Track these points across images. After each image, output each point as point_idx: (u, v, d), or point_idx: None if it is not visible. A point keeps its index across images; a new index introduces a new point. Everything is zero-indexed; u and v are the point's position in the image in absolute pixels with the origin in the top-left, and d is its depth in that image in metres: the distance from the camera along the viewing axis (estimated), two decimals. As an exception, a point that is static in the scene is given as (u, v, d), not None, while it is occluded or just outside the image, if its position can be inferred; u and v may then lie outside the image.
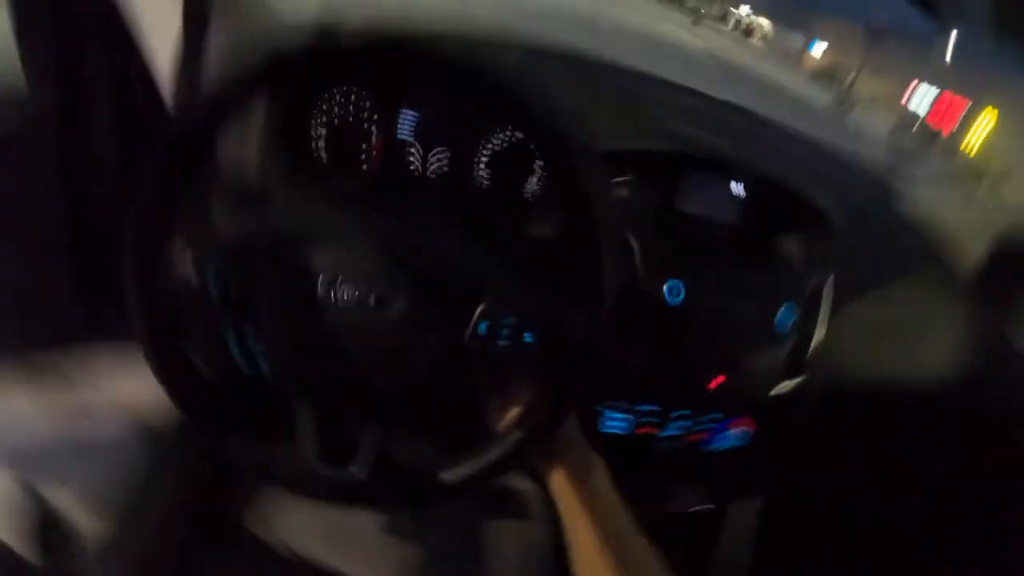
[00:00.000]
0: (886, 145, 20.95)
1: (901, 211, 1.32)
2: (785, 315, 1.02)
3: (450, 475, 0.71)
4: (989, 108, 25.64)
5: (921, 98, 28.00)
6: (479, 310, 0.67)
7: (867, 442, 1.30)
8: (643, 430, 1.05)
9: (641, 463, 1.02)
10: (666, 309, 0.95)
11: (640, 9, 32.94)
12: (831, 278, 1.07)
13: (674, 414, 1.05)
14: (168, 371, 0.69)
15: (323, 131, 0.92)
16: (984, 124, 24.85)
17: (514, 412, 0.73)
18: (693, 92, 1.38)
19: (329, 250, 0.68)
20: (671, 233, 1.00)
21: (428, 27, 1.07)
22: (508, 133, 0.93)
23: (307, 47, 0.65)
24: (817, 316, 1.06)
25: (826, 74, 32.27)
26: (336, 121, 0.92)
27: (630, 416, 1.03)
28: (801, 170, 1.13)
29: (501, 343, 0.68)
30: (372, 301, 0.67)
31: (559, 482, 0.73)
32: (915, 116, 23.23)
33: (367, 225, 0.70)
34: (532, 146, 0.93)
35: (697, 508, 1.10)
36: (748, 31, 54.71)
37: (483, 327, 0.68)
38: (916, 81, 30.18)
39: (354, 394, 0.75)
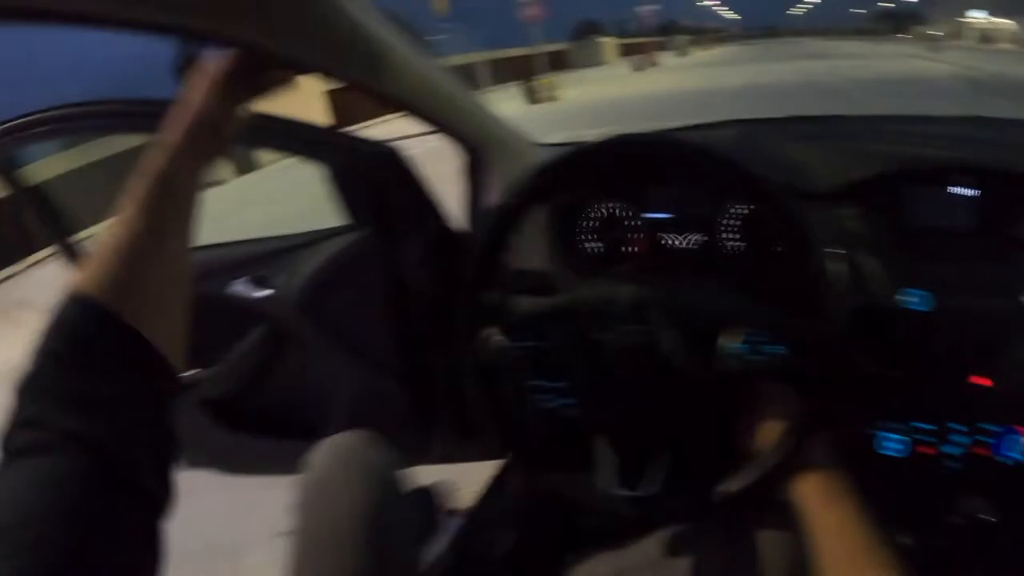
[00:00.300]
0: None
1: None
2: None
3: (729, 487, 0.81)
4: None
5: None
6: (732, 334, 0.82)
7: None
8: (922, 448, 1.03)
9: (926, 483, 1.04)
10: (920, 318, 0.98)
11: (875, 56, 35.67)
12: None
13: (951, 426, 1.02)
14: (498, 420, 0.92)
15: (590, 234, 1.20)
16: None
17: (778, 426, 0.80)
18: (923, 118, 1.47)
19: (608, 312, 0.87)
20: (906, 249, 1.03)
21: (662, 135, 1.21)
22: (741, 207, 1.11)
23: (563, 157, 0.88)
24: None
25: None
26: (599, 224, 1.19)
27: (906, 437, 1.03)
28: None
29: (758, 356, 0.82)
30: (647, 343, 0.84)
31: (807, 500, 0.75)
32: None
33: (636, 291, 0.88)
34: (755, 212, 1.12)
35: (980, 517, 1.01)
36: (988, 38, 53.36)
37: (743, 346, 0.81)
38: None
39: (640, 425, 0.91)
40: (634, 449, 0.91)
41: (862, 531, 0.72)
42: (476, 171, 1.27)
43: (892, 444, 1.06)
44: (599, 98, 18.07)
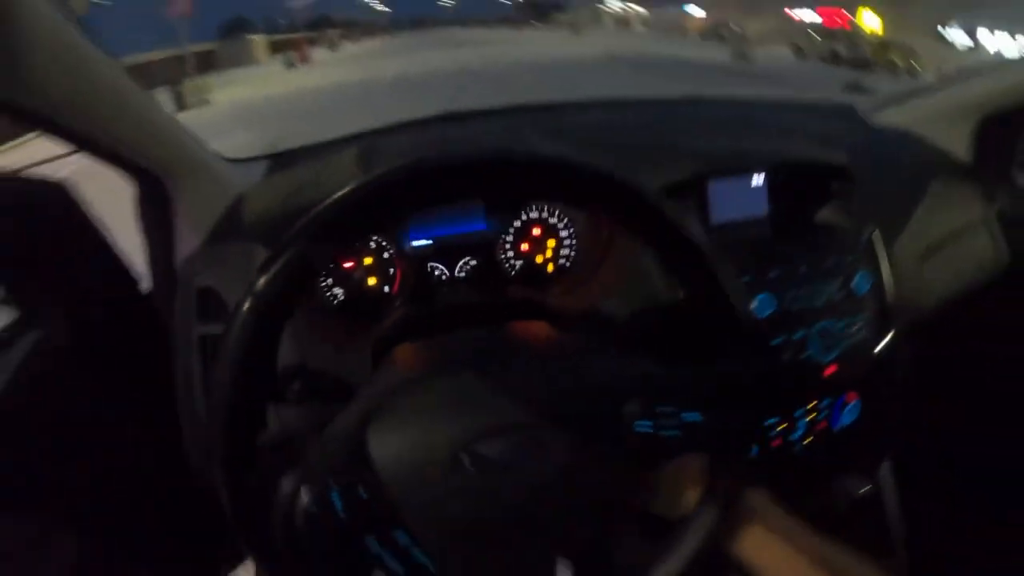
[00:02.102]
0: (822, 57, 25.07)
1: (885, 139, 1.42)
2: (861, 281, 1.13)
3: (661, 572, 0.73)
4: (862, 8, 33.39)
5: (803, 22, 35.52)
6: (630, 413, 0.67)
7: (960, 361, 1.45)
8: (777, 442, 1.13)
9: (791, 472, 1.16)
10: (762, 324, 1.05)
11: (523, 42, 41.12)
12: (875, 229, 1.16)
13: (797, 414, 1.14)
14: None
15: (332, 281, 1.08)
16: (872, 23, 32.76)
17: (695, 493, 0.75)
18: (651, 102, 1.65)
19: (445, 418, 0.66)
20: (726, 251, 0.91)
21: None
22: (523, 216, 1.12)
23: (331, 205, 0.63)
24: (881, 269, 1.16)
25: (713, 31, 38.41)
26: (341, 266, 1.07)
27: (758, 435, 1.05)
28: (790, 136, 1.30)
29: (670, 433, 0.68)
30: (519, 455, 0.65)
31: (755, 544, 0.75)
32: (812, 31, 28.78)
33: (464, 371, 0.69)
34: (552, 216, 1.14)
35: (862, 491, 1.17)
36: (626, 22, 63.26)
37: (647, 424, 0.67)
38: (788, 11, 37.26)
39: (533, 552, 0.71)
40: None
41: (821, 551, 0.75)
42: (159, 205, 1.07)
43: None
44: (254, 99, 18.25)
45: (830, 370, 1.12)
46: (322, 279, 1.11)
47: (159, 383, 1.04)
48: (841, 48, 25.40)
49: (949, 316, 1.33)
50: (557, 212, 1.17)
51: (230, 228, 1.08)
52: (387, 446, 0.66)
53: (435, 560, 0.68)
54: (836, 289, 1.13)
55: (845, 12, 34.22)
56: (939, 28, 26.43)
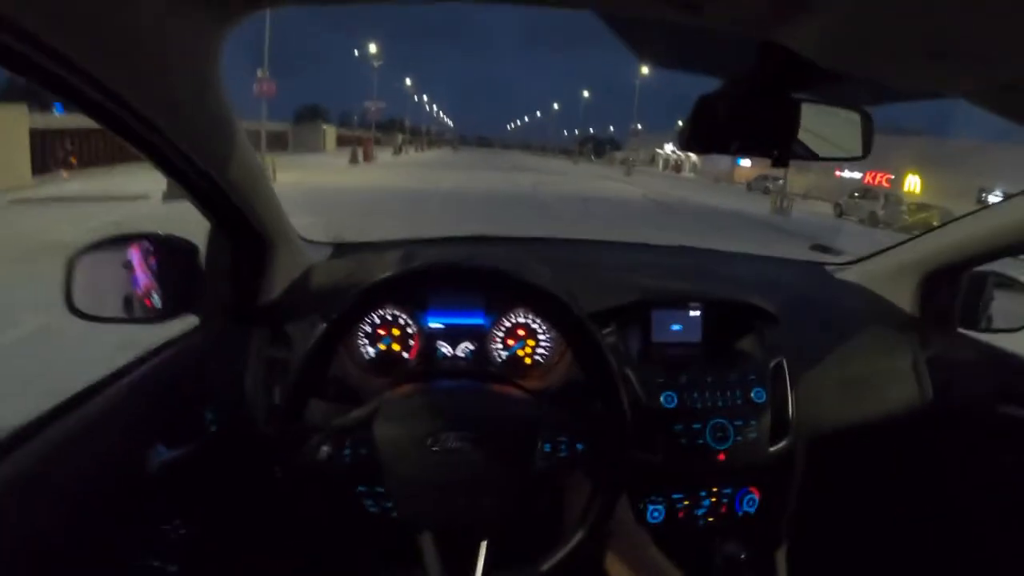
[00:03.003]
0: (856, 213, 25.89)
1: (834, 291, 1.82)
2: (758, 394, 1.43)
3: (547, 564, 1.05)
4: (910, 172, 34.20)
5: (849, 180, 36.08)
6: (539, 437, 1.04)
7: (855, 473, 1.72)
8: (681, 514, 1.46)
9: (688, 537, 1.44)
10: (667, 413, 1.39)
11: (576, 175, 41.89)
12: (783, 359, 1.47)
13: (702, 493, 1.46)
14: (330, 525, 1.06)
15: (366, 343, 1.46)
16: (912, 185, 33.48)
17: (579, 509, 1.07)
18: (646, 247, 2.05)
19: (425, 418, 1.03)
20: (655, 360, 1.46)
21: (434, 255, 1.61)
22: (511, 318, 1.48)
23: (390, 280, 1.06)
24: (784, 389, 1.46)
25: (758, 184, 39.02)
26: (376, 329, 1.46)
27: (664, 505, 1.45)
28: (744, 283, 1.66)
29: (561, 455, 1.04)
30: (466, 447, 1.00)
31: (614, 558, 1.10)
32: (852, 190, 29.07)
33: (445, 395, 1.11)
34: (534, 322, 1.49)
35: (738, 556, 1.42)
36: (677, 166, 65.05)
37: (547, 447, 1.04)
38: (838, 172, 38.03)
39: (462, 520, 1.06)
40: (459, 540, 1.06)
41: (656, 570, 1.10)
42: (262, 264, 1.43)
43: (655, 514, 1.45)
44: (315, 186, 19.00)
45: (721, 456, 1.39)
46: (361, 339, 1.48)
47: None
48: (879, 209, 25.98)
49: (862, 437, 1.62)
50: (539, 320, 1.51)
51: (301, 289, 1.50)
52: (384, 430, 1.04)
53: (400, 506, 1.08)
54: (736, 397, 1.43)
55: (890, 174, 35.32)
56: (981, 193, 26.84)
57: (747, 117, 0.91)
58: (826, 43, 0.65)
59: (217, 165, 1.16)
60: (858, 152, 0.98)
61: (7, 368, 5.07)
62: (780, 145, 0.92)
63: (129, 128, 0.96)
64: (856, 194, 28.79)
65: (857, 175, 37.23)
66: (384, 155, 46.55)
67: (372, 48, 67.55)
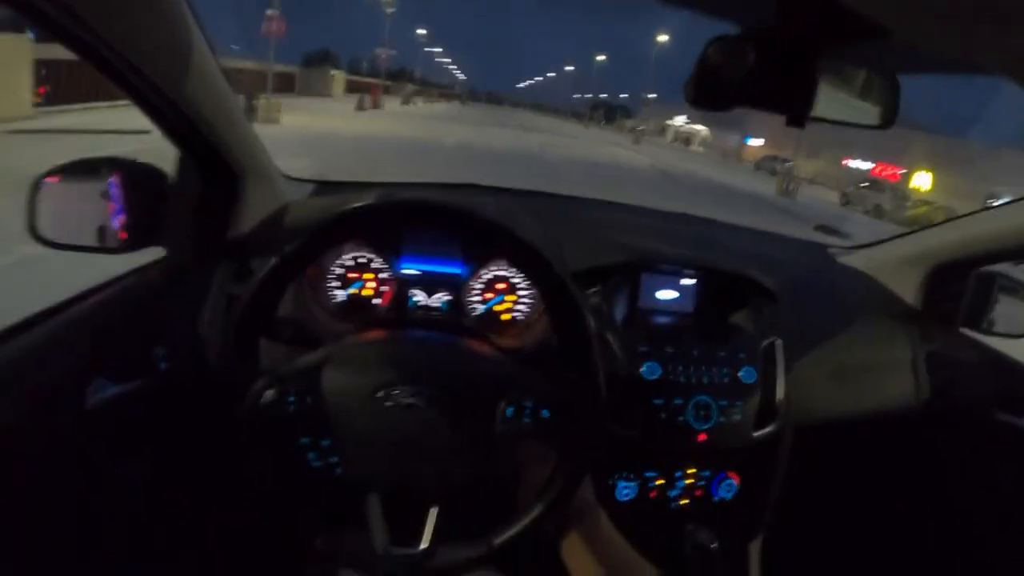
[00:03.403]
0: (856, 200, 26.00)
1: (836, 274, 1.73)
2: (747, 374, 1.35)
3: (499, 539, 1.00)
4: (921, 169, 34.12)
5: (856, 171, 35.97)
6: (504, 399, 0.96)
7: (843, 468, 1.66)
8: (653, 494, 1.39)
9: (659, 520, 1.39)
10: (648, 385, 1.30)
11: (585, 140, 41.98)
12: (779, 340, 1.40)
13: (677, 474, 1.39)
14: (270, 477, 1.01)
15: (338, 281, 1.36)
16: (922, 182, 33.46)
17: (539, 483, 1.00)
18: (645, 210, 1.93)
19: (379, 369, 0.95)
20: (640, 327, 1.39)
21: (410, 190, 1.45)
22: (491, 270, 1.38)
23: (344, 215, 0.98)
24: (775, 372, 1.38)
25: (766, 163, 38.27)
26: (348, 272, 1.36)
27: (637, 482, 1.37)
28: (743, 257, 1.55)
29: (526, 421, 0.97)
30: (422, 403, 0.94)
31: (572, 540, 1.01)
32: (859, 181, 29.05)
33: (405, 345, 1.03)
34: (515, 276, 1.38)
35: (709, 545, 1.34)
36: (687, 139, 64.79)
37: (509, 411, 0.96)
38: (847, 160, 37.86)
39: (412, 483, 1.00)
40: (406, 506, 1.00)
41: (619, 556, 0.97)
42: (232, 199, 1.36)
43: (626, 491, 1.37)
44: (319, 130, 18.85)
45: (702, 437, 1.32)
46: (331, 281, 1.40)
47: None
48: (885, 202, 26.03)
49: (852, 429, 1.57)
50: (522, 276, 1.41)
51: (272, 225, 1.40)
52: (333, 380, 0.96)
53: (345, 462, 1.04)
54: (723, 375, 1.35)
55: (900, 168, 35.13)
56: (989, 199, 26.41)
57: (763, 68, 0.80)
58: None
59: (184, 94, 1.09)
60: (878, 120, 0.89)
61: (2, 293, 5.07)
62: (796, 102, 0.82)
63: (96, 53, 0.91)
64: (864, 184, 28.73)
65: (866, 166, 37.23)
66: (392, 104, 46.17)
67: (385, -6, 66.54)
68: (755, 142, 49.68)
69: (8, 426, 0.97)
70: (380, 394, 0.96)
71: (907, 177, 34.26)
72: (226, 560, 1.47)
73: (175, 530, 1.38)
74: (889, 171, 35.62)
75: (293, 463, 1.19)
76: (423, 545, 0.98)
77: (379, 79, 59.05)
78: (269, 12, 25.86)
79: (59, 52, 18.65)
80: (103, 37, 0.88)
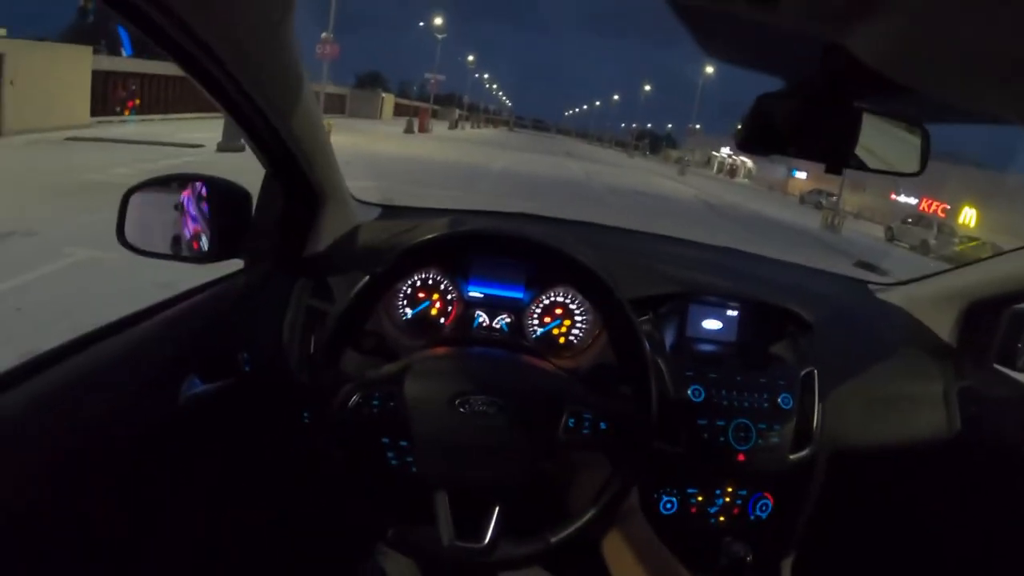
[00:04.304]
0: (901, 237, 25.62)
1: (874, 310, 1.79)
2: (785, 400, 1.42)
3: (555, 538, 1.06)
4: (967, 204, 33.46)
5: (904, 205, 35.41)
6: (566, 411, 1.07)
7: (875, 494, 1.69)
8: (693, 509, 1.46)
9: (697, 534, 1.46)
10: (693, 407, 1.39)
11: (630, 169, 42.18)
12: (816, 369, 1.46)
13: (716, 492, 1.46)
14: (352, 473, 1.08)
15: (406, 304, 1.48)
16: (968, 218, 32.75)
17: (594, 489, 1.08)
18: (691, 243, 2.01)
19: (456, 379, 1.05)
20: (687, 353, 1.47)
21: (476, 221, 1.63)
22: (551, 296, 1.50)
23: (432, 240, 1.09)
24: (811, 400, 1.45)
25: (811, 197, 38.43)
26: (417, 291, 1.48)
27: (679, 498, 1.45)
28: (785, 290, 1.62)
29: (585, 431, 1.09)
30: (493, 411, 1.03)
31: (616, 543, 1.07)
32: (906, 215, 28.56)
33: (477, 360, 1.14)
34: (572, 302, 1.50)
35: (744, 558, 1.41)
36: (732, 171, 64.36)
37: (571, 422, 1.07)
38: (893, 195, 37.29)
39: (478, 482, 1.08)
40: (472, 503, 1.08)
41: (658, 561, 1.05)
42: (311, 219, 1.47)
43: (668, 505, 1.45)
44: (369, 151, 19.12)
45: (741, 457, 1.40)
46: (400, 299, 1.49)
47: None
48: (931, 238, 25.52)
49: (884, 458, 1.61)
50: (577, 301, 1.51)
51: (347, 244, 1.51)
52: (414, 386, 1.06)
53: (420, 462, 1.13)
54: (763, 400, 1.43)
55: (946, 204, 34.40)
56: None
57: (805, 120, 0.89)
58: (895, 51, 0.61)
59: (282, 116, 1.18)
60: (913, 168, 0.96)
61: (49, 296, 5.30)
62: (836, 152, 0.91)
63: (203, 71, 0.98)
64: (909, 220, 28.23)
65: (912, 201, 36.41)
66: (440, 128, 46.96)
67: (437, 20, 67.53)
68: (801, 175, 49.08)
69: (106, 416, 1.05)
70: (456, 401, 1.06)
71: (954, 212, 33.38)
72: (294, 547, 1.56)
73: (248, 517, 1.47)
74: (936, 206, 34.73)
75: (372, 460, 1.30)
76: (485, 540, 1.06)
77: (427, 103, 59.76)
78: (324, 35, 26.48)
79: (148, 67, 19.51)
80: (224, 64, 0.96)
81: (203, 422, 1.28)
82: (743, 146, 0.94)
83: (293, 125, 1.22)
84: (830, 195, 33.26)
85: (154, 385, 1.18)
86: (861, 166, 0.92)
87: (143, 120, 19.56)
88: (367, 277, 1.11)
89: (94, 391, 1.05)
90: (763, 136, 0.93)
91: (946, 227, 27.34)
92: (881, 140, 0.93)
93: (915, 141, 0.96)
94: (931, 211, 33.97)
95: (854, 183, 36.33)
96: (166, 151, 13.71)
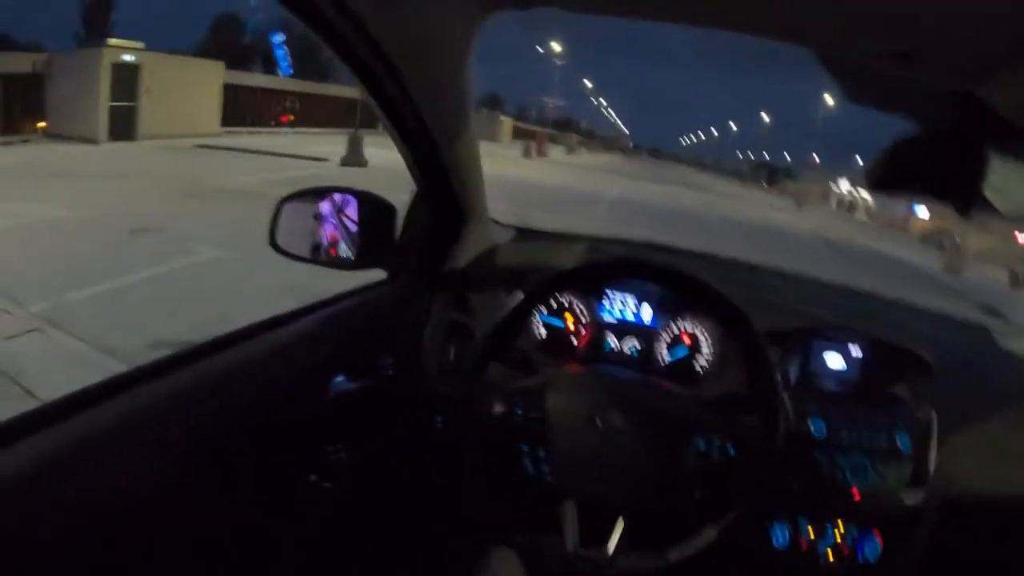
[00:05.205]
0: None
1: (997, 356, 1.73)
2: (903, 441, 1.41)
3: (675, 554, 1.11)
4: None
5: None
6: (698, 434, 1.14)
7: (989, 548, 1.54)
8: (805, 545, 1.45)
9: (807, 571, 1.47)
10: (813, 441, 1.40)
11: (747, 201, 41.00)
12: (934, 412, 1.44)
13: (828, 527, 1.45)
14: (492, 479, 1.17)
15: (543, 323, 1.51)
16: None
17: (717, 513, 1.13)
18: (812, 280, 2.03)
19: (595, 396, 1.13)
20: (809, 388, 1.48)
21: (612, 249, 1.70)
22: (680, 324, 1.51)
23: (586, 266, 1.22)
24: (929, 443, 1.43)
25: (933, 236, 37.35)
26: (552, 312, 1.51)
27: (791, 529, 1.45)
28: (905, 332, 1.59)
29: (714, 455, 1.13)
30: (629, 428, 1.09)
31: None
32: None
33: (614, 381, 1.23)
34: (701, 332, 1.50)
35: None
36: (851, 206, 62.07)
37: (701, 445, 1.12)
38: (1018, 235, 34.91)
39: (607, 495, 1.15)
40: (597, 515, 1.14)
41: None
42: (455, 237, 1.53)
43: (780, 536, 1.47)
44: (489, 174, 19.86)
45: (856, 495, 1.42)
46: (537, 318, 1.56)
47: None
48: None
49: (1002, 511, 1.51)
50: (707, 330, 1.54)
51: (486, 263, 1.61)
52: (556, 399, 1.19)
53: (556, 471, 1.24)
54: (882, 439, 1.45)
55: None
56: None
57: (937, 162, 0.93)
58: None
59: (447, 140, 1.28)
60: None
61: (188, 286, 6.17)
62: (964, 195, 0.95)
63: (381, 89, 1.10)
64: (1036, 264, 26.33)
65: (1037, 241, 34.09)
66: (556, 153, 45.79)
67: (556, 47, 67.56)
68: (922, 212, 46.69)
69: (256, 408, 1.18)
70: (595, 417, 1.18)
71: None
72: (414, 542, 1.69)
73: (377, 509, 1.62)
74: (1066, 244, 32.35)
75: (510, 466, 1.36)
76: (609, 551, 1.16)
77: (545, 127, 59.72)
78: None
79: (299, 87, 20.68)
80: (406, 86, 1.07)
81: (345, 417, 1.41)
82: (876, 184, 0.99)
83: (454, 149, 1.32)
84: (952, 235, 31.67)
85: (303, 381, 1.30)
86: (990, 206, 0.97)
87: (271, 132, 20.78)
88: (522, 296, 1.25)
89: (247, 382, 1.17)
90: (895, 174, 0.97)
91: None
92: (1010, 185, 0.95)
93: None
94: (1059, 253, 31.84)
95: (979, 223, 34.51)
96: (290, 163, 14.39)
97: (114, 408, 0.93)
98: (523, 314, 1.31)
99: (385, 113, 1.19)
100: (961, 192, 0.93)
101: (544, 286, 1.30)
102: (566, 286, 1.42)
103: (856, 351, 1.58)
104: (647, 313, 1.59)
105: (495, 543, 1.45)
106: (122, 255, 6.78)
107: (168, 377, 1.02)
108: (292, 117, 21.24)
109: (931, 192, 0.96)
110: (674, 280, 1.38)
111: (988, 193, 0.91)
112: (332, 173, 13.78)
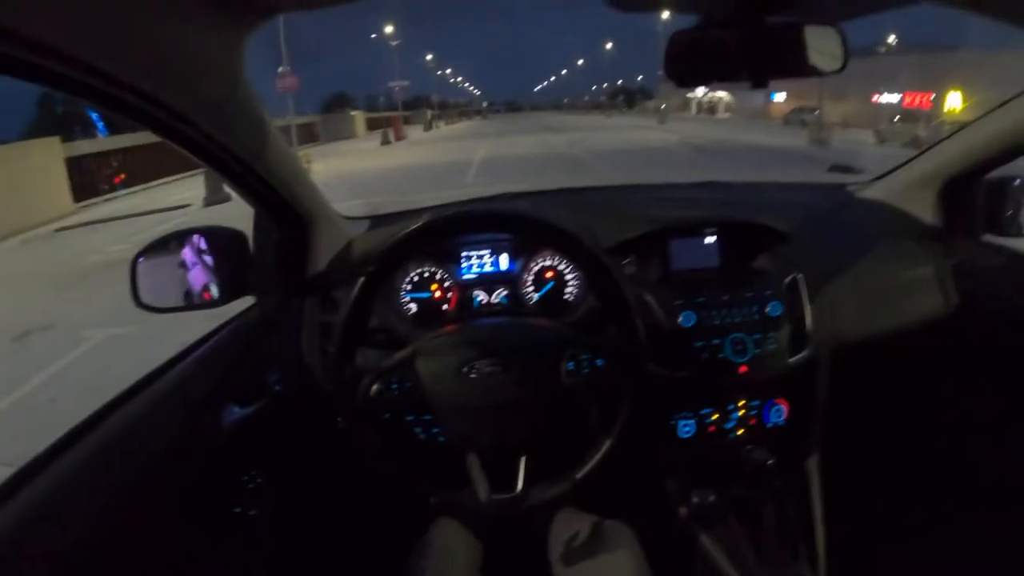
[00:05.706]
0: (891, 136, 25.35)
1: (854, 209, 1.85)
2: (774, 308, 1.50)
3: (580, 474, 1.19)
4: (952, 89, 32.99)
5: (887, 105, 35.07)
6: (564, 357, 1.18)
7: (884, 382, 1.74)
8: (711, 428, 1.56)
9: (719, 450, 1.58)
10: (687, 332, 1.48)
11: (612, 129, 42.04)
12: (800, 275, 1.53)
13: (730, 407, 1.56)
14: (385, 452, 1.21)
15: (409, 299, 1.60)
16: (954, 103, 32.29)
17: (605, 422, 1.21)
18: (668, 186, 2.18)
19: (461, 350, 1.18)
20: (673, 285, 1.55)
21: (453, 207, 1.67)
22: (538, 262, 1.61)
23: (412, 232, 1.18)
24: (800, 304, 1.52)
25: (793, 117, 37.71)
26: (416, 284, 1.60)
27: (695, 419, 1.56)
28: (764, 208, 1.73)
29: (585, 371, 1.19)
30: (499, 370, 1.15)
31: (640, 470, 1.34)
32: (892, 115, 27.98)
33: (477, 331, 1.25)
34: (560, 264, 1.60)
35: (765, 462, 1.51)
36: (712, 108, 63.95)
37: (571, 365, 1.18)
38: (875, 96, 36.83)
39: (501, 438, 1.19)
40: (502, 458, 1.18)
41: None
42: (305, 243, 1.56)
43: (686, 428, 1.56)
44: (350, 171, 19.32)
45: (743, 369, 1.50)
46: (403, 295, 1.62)
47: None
48: (921, 131, 24.87)
49: (889, 346, 1.65)
50: (564, 261, 1.63)
51: (343, 259, 1.61)
52: (425, 366, 1.20)
53: (445, 429, 1.26)
54: (753, 312, 1.52)
55: (930, 94, 34.06)
56: None
57: (723, 46, 0.94)
58: None
59: (253, 155, 1.25)
60: (836, 66, 1.00)
61: (90, 372, 5.58)
62: (759, 68, 0.96)
63: (170, 129, 1.04)
64: (896, 118, 27.66)
65: (895, 98, 35.82)
66: (415, 132, 46.82)
67: (388, 29, 67.37)
68: (780, 98, 48.48)
69: (164, 452, 1.18)
70: (465, 369, 1.18)
71: (939, 101, 32.76)
72: (354, 539, 1.71)
73: (308, 521, 1.62)
74: (920, 99, 34.07)
75: (403, 438, 1.39)
76: (518, 489, 1.18)
77: (398, 111, 59.47)
78: (280, 69, 26.47)
79: (127, 141, 19.64)
80: (186, 117, 1.02)
81: (247, 443, 1.38)
82: (679, 83, 1.00)
83: (265, 159, 1.28)
84: (812, 110, 32.85)
85: (196, 418, 1.29)
86: (785, 74, 0.97)
87: (130, 193, 19.64)
88: (361, 279, 1.21)
89: (148, 429, 1.17)
90: (687, 69, 0.99)
91: (934, 117, 27.04)
92: (799, 47, 0.97)
93: (832, 40, 1.00)
94: (916, 104, 33.49)
95: (834, 94, 36.09)
96: (156, 219, 13.82)
97: (33, 490, 0.96)
98: (367, 295, 1.24)
99: (186, 149, 1.12)
100: (755, 68, 0.95)
101: (379, 262, 1.23)
102: (405, 255, 1.33)
103: (711, 239, 1.64)
104: (504, 261, 1.64)
105: (427, 514, 1.49)
106: (13, 366, 6.20)
107: (78, 445, 1.05)
108: (124, 176, 19.71)
109: (725, 76, 0.96)
110: (502, 224, 1.39)
111: (781, 58, 0.94)
112: (199, 216, 13.51)
